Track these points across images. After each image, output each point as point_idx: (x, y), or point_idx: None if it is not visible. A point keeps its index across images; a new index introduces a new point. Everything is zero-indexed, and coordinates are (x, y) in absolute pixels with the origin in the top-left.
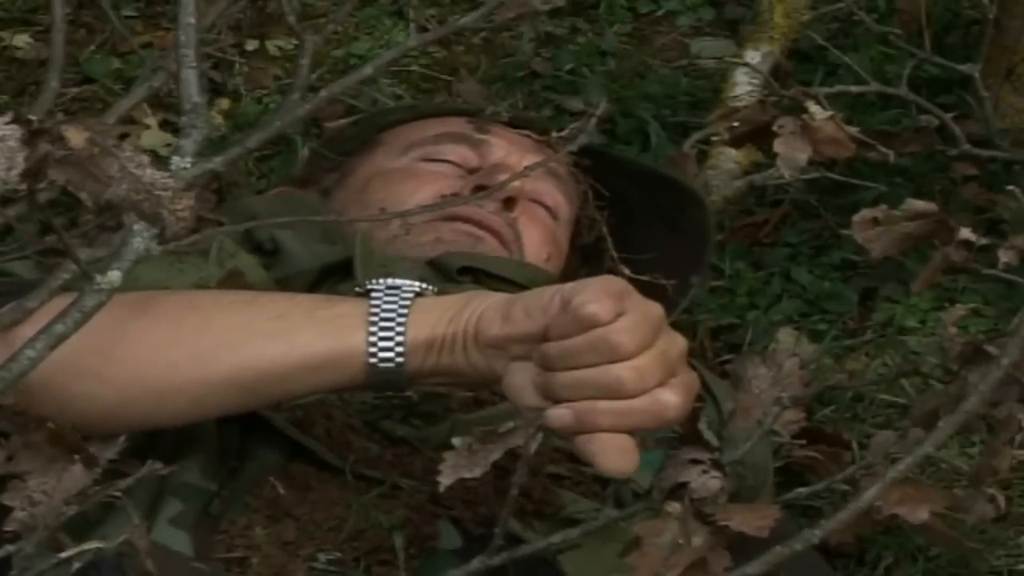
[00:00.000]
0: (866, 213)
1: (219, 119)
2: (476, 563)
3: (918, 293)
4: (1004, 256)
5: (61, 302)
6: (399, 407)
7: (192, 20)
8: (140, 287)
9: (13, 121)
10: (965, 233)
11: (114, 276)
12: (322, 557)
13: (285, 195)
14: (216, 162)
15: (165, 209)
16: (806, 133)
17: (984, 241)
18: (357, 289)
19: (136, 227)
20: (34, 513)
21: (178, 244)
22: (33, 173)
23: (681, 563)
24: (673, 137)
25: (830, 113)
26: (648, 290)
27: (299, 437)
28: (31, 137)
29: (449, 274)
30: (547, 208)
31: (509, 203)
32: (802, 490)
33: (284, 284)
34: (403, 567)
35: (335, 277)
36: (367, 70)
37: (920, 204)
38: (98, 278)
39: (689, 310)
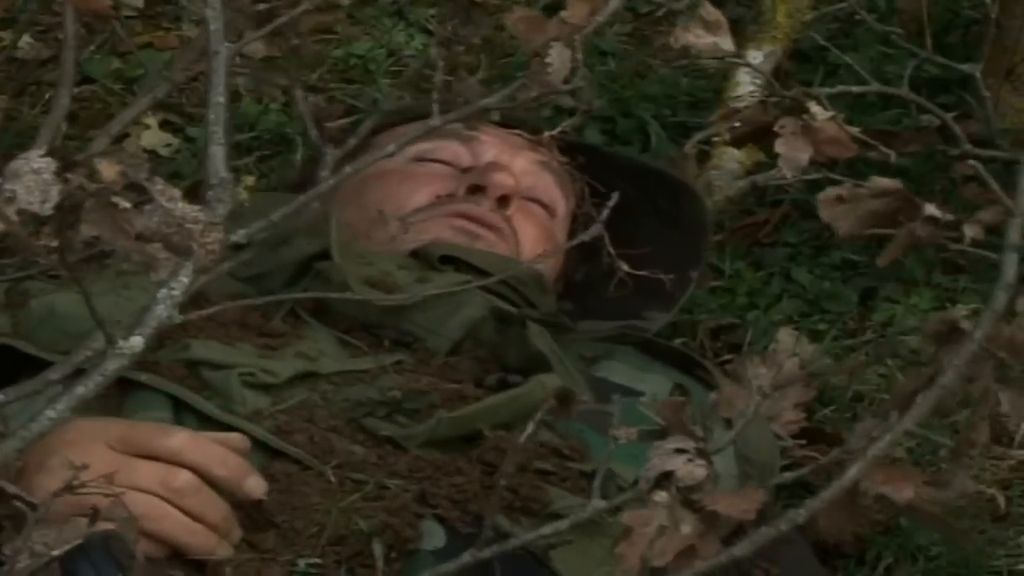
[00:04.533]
0: (831, 191)
1: (244, 195)
2: (466, 556)
3: (884, 266)
4: (969, 231)
5: None
6: (383, 404)
7: (222, 99)
8: (91, 322)
9: (48, 154)
10: (930, 209)
11: (136, 341)
12: (302, 563)
13: (270, 196)
14: (239, 235)
15: (195, 242)
16: (807, 133)
17: (950, 217)
18: None
19: (159, 295)
20: (34, 566)
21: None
22: (65, 226)
23: (670, 550)
24: (673, 137)
25: (831, 113)
26: (647, 285)
27: (280, 446)
28: (65, 169)
29: (431, 263)
30: (544, 205)
31: (503, 201)
32: (787, 475)
33: (260, 280)
34: (383, 572)
35: (316, 263)
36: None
37: (885, 181)
38: (121, 343)
39: (689, 310)
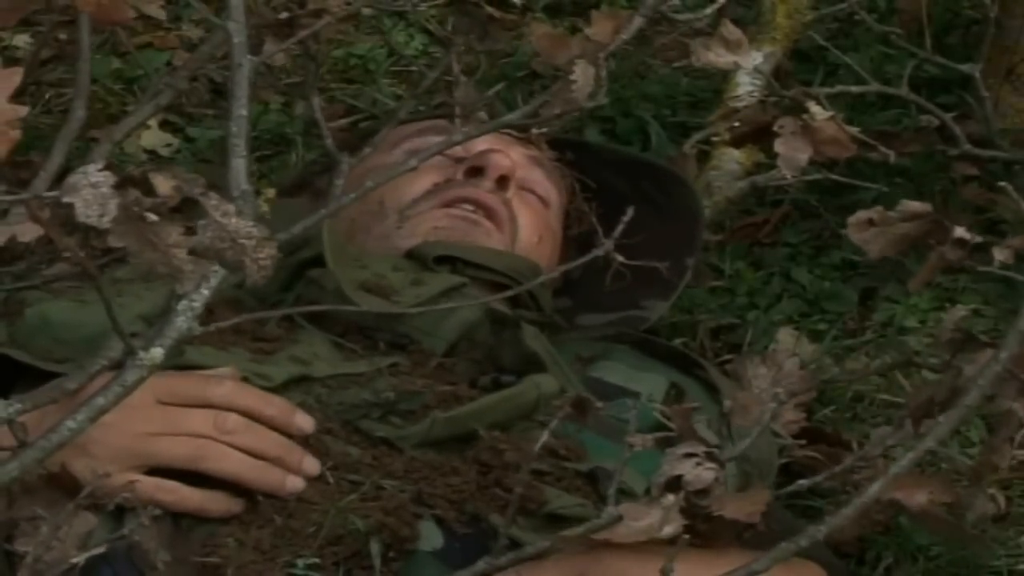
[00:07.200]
0: (862, 215)
1: (265, 207)
2: (482, 564)
3: (915, 292)
4: (999, 255)
5: None
6: (377, 406)
7: (244, 112)
8: (87, 330)
9: (106, 168)
10: (960, 232)
11: (156, 352)
12: (300, 563)
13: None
14: None
15: (248, 257)
16: (807, 133)
17: (979, 240)
18: None
19: (180, 306)
20: (46, 559)
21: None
22: (92, 236)
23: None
24: (673, 137)
25: (831, 113)
26: (645, 275)
27: None
28: (122, 183)
29: (426, 263)
30: (538, 196)
31: (503, 182)
32: (803, 482)
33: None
34: (380, 572)
35: (309, 268)
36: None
37: (915, 205)
38: (140, 354)
39: (689, 310)
